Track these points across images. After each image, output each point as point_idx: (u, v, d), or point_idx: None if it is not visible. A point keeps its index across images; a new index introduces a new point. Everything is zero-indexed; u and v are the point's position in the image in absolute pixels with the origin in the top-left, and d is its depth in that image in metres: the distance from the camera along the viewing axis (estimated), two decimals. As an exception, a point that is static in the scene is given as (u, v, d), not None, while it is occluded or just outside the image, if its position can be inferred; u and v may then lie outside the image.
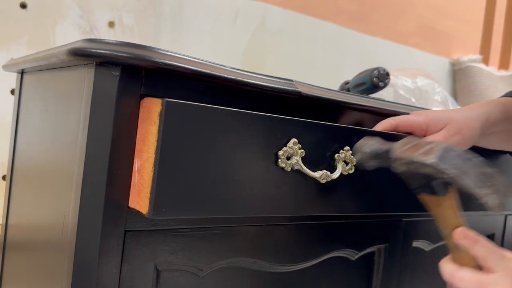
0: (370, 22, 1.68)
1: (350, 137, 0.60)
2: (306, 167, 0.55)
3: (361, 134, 0.61)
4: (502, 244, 0.99)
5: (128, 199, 0.50)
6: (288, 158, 0.54)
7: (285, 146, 0.54)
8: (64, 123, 0.56)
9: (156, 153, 0.46)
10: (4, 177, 1.01)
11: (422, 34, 1.84)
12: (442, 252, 0.87)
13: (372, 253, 0.75)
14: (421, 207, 0.71)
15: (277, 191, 0.54)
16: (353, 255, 0.72)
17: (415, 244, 0.82)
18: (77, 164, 0.51)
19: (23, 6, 1.01)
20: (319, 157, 0.57)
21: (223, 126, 0.49)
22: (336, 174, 0.58)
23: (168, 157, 0.46)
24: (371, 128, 0.71)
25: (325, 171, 0.57)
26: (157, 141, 0.46)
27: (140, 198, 0.48)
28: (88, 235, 0.49)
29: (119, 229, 0.50)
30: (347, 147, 0.59)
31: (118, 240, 0.50)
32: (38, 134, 0.66)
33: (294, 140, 0.54)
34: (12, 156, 0.78)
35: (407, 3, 1.78)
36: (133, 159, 0.50)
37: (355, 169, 0.60)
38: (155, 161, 0.46)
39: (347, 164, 0.60)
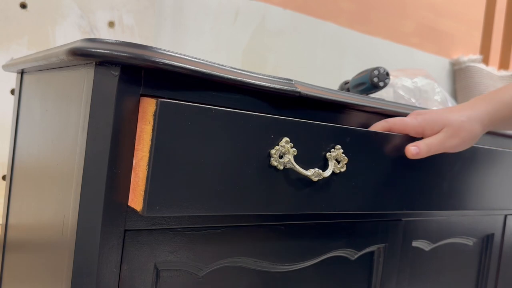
0: (370, 22, 1.68)
1: (342, 136, 0.61)
2: (299, 165, 0.56)
3: (352, 133, 0.62)
4: (501, 244, 0.99)
5: (128, 199, 0.50)
6: (281, 157, 0.55)
7: (277, 145, 0.55)
8: (64, 123, 0.56)
9: (150, 152, 0.47)
10: (4, 177, 1.01)
11: (422, 34, 1.84)
12: (442, 252, 0.87)
13: (372, 253, 0.75)
14: (415, 206, 0.71)
15: (269, 189, 0.55)
16: (353, 254, 0.72)
17: (415, 244, 0.82)
18: (77, 163, 0.51)
19: (23, 6, 1.01)
20: (311, 155, 0.58)
21: (217, 125, 0.50)
22: (328, 172, 0.58)
23: (161, 156, 0.47)
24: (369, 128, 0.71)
25: (317, 169, 0.58)
26: (151, 140, 0.47)
27: (135, 196, 0.49)
28: (88, 234, 0.49)
29: (119, 229, 0.50)
30: (338, 146, 0.60)
31: (118, 239, 0.50)
32: (38, 134, 0.66)
33: (286, 139, 0.55)
34: (12, 156, 0.78)
35: (407, 3, 1.78)
36: (132, 158, 0.50)
37: (346, 167, 0.61)
38: (149, 160, 0.47)
39: (338, 162, 0.60)
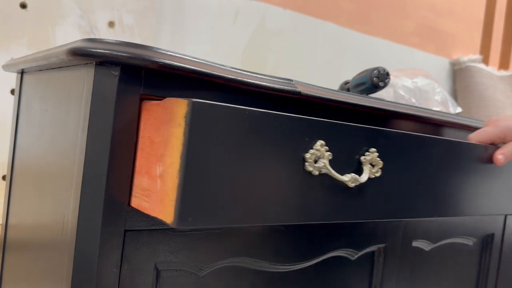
0: (370, 22, 1.68)
1: (377, 139, 0.57)
2: (334, 170, 0.53)
3: (388, 135, 0.58)
4: (501, 244, 0.99)
5: (128, 199, 0.50)
6: (315, 161, 0.51)
7: (312, 148, 0.51)
8: (64, 123, 0.56)
9: (181, 158, 0.42)
10: (4, 177, 1.01)
11: (422, 34, 1.84)
12: (442, 252, 0.87)
13: (372, 253, 0.75)
14: (449, 211, 0.69)
15: (306, 197, 0.51)
16: (353, 254, 0.72)
17: (415, 243, 0.82)
18: (77, 163, 0.51)
19: (23, 6, 1.01)
20: (346, 159, 0.54)
21: (251, 128, 0.46)
22: (364, 178, 0.55)
23: (194, 162, 0.43)
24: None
25: (353, 174, 0.54)
26: (183, 145, 0.42)
27: (163, 206, 0.44)
28: (88, 234, 0.49)
29: (119, 229, 0.50)
30: (373, 149, 0.56)
31: (118, 239, 0.50)
32: (38, 134, 0.66)
33: (321, 142, 0.51)
34: (12, 156, 0.78)
35: (407, 3, 1.78)
36: (133, 158, 0.50)
37: (381, 172, 0.58)
38: (180, 167, 0.42)
39: (373, 166, 0.57)
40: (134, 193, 0.50)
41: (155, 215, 0.46)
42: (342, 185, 0.54)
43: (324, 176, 0.52)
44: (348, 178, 0.53)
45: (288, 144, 0.49)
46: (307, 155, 0.50)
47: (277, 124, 0.48)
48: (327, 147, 0.52)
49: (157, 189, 0.46)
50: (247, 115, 0.46)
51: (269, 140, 0.48)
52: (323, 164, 0.51)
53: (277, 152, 0.48)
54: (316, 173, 0.51)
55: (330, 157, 0.52)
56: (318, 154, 0.51)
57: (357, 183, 0.54)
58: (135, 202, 0.50)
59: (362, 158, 0.55)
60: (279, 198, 0.49)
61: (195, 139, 0.43)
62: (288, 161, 0.49)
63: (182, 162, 0.42)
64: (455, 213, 0.70)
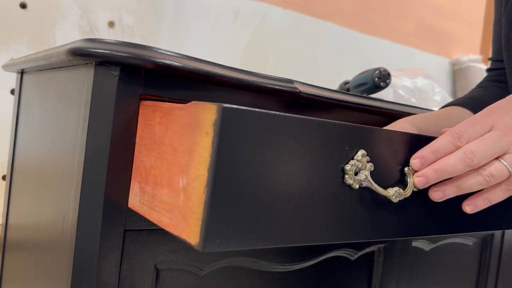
0: (370, 22, 1.68)
1: (421, 147, 0.50)
2: (375, 183, 0.47)
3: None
4: (501, 244, 0.99)
5: (128, 199, 0.50)
6: (356, 173, 0.46)
7: (353, 159, 0.45)
8: (64, 123, 0.56)
9: (209, 170, 0.37)
10: (4, 177, 1.01)
11: (422, 34, 1.84)
12: (442, 252, 0.87)
13: (372, 253, 0.75)
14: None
15: (345, 213, 0.46)
16: (353, 254, 0.72)
17: (415, 243, 0.82)
18: (77, 163, 0.51)
19: (23, 6, 1.01)
20: (388, 171, 0.48)
21: (287, 136, 0.41)
22: (409, 191, 0.49)
23: (224, 175, 0.38)
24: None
25: (397, 188, 0.48)
26: (211, 156, 0.38)
27: (186, 225, 0.39)
28: (88, 234, 0.49)
29: (119, 229, 0.50)
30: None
31: (117, 239, 0.50)
32: (38, 134, 0.66)
33: (362, 151, 0.46)
34: (12, 156, 0.78)
35: (407, 3, 1.78)
36: (133, 158, 0.50)
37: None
38: (208, 180, 0.37)
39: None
40: (153, 206, 0.46)
41: (177, 234, 0.41)
42: (384, 200, 0.48)
43: (365, 190, 0.47)
44: (391, 193, 0.48)
45: (327, 154, 0.44)
46: (347, 167, 0.45)
47: (316, 132, 0.43)
48: (368, 157, 0.46)
49: (179, 204, 0.41)
50: (283, 122, 0.41)
51: (307, 150, 0.43)
52: (364, 177, 0.46)
53: (316, 163, 0.43)
54: (356, 186, 0.46)
55: (372, 169, 0.47)
56: (360, 165, 0.46)
57: (401, 198, 0.48)
58: (154, 217, 0.45)
59: (406, 168, 0.49)
60: (316, 216, 0.44)
61: (225, 150, 0.38)
62: (327, 174, 0.44)
63: (210, 175, 0.37)
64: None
